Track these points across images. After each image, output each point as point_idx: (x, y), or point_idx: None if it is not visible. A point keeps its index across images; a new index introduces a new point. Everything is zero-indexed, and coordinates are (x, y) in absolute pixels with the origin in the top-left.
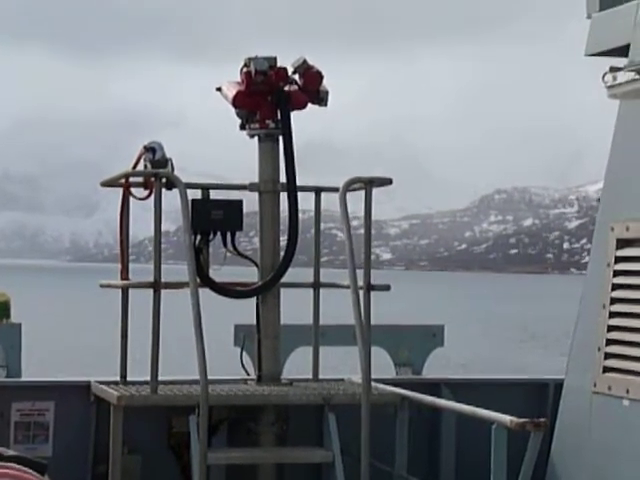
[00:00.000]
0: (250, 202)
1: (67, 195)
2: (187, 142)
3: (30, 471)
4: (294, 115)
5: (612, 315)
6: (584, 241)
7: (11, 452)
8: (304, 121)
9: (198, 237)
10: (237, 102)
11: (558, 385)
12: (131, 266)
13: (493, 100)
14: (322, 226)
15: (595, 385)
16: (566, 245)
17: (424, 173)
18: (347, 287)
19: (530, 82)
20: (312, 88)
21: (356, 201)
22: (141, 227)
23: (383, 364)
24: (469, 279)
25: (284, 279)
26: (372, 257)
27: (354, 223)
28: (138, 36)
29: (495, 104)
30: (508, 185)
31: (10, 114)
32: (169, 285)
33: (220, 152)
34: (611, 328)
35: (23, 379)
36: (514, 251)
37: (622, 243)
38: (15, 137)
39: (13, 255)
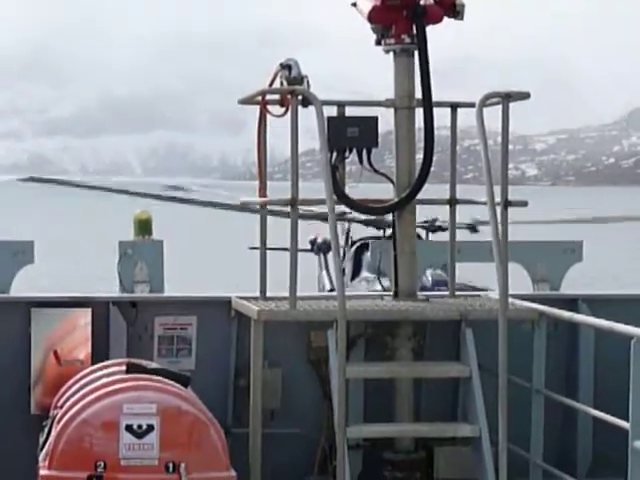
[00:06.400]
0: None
1: (214, 114)
2: (329, 58)
3: (173, 383)
4: (431, 29)
5: None
6: None
7: (154, 365)
8: (445, 34)
9: (334, 155)
10: (372, 17)
11: None
12: (278, 184)
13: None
14: (467, 142)
15: None
16: None
17: (571, 87)
18: (484, 203)
19: None
20: (448, 1)
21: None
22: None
23: (521, 280)
24: (617, 194)
25: (420, 195)
26: (517, 173)
27: (500, 139)
28: None
29: None
30: None
31: (154, 35)
32: (306, 202)
33: (366, 68)
34: None
35: (166, 294)
36: None
37: None
38: (162, 59)
39: (167, 173)
